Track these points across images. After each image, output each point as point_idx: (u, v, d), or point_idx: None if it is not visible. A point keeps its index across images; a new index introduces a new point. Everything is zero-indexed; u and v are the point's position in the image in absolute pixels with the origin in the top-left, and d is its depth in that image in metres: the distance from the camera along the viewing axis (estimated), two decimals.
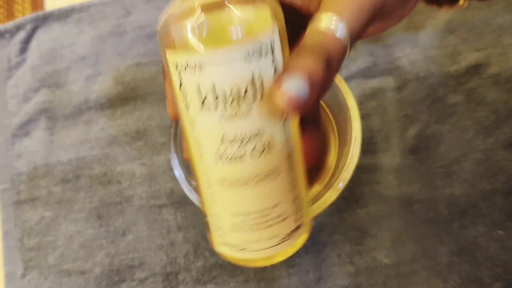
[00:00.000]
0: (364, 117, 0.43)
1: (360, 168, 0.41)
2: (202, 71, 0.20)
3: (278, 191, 0.24)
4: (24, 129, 0.47)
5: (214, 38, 0.20)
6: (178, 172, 0.36)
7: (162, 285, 0.41)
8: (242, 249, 0.25)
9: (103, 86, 0.47)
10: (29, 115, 0.47)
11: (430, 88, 0.43)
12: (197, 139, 0.23)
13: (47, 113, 0.47)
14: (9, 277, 0.43)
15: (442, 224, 0.39)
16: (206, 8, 0.21)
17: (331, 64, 0.21)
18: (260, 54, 0.20)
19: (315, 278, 0.39)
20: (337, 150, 0.39)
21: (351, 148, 0.35)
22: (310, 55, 0.20)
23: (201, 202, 0.26)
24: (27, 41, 0.50)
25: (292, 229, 0.25)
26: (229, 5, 0.21)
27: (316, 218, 0.40)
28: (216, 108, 0.21)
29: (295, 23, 0.24)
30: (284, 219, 0.24)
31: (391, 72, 0.44)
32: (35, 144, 0.46)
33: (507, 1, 0.44)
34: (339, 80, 0.36)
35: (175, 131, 0.37)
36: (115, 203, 0.44)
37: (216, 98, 0.21)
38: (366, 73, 0.44)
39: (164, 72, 0.24)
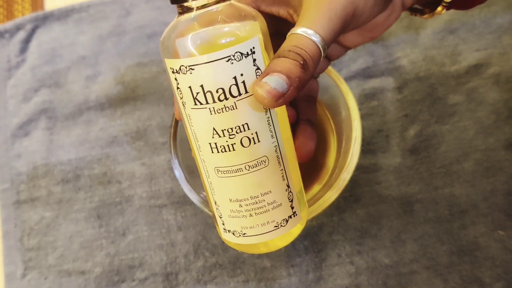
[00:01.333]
0: (364, 117, 0.43)
1: (360, 168, 0.41)
2: (193, 73, 0.24)
3: (268, 179, 0.26)
4: (24, 129, 0.47)
5: (204, 46, 0.24)
6: (178, 172, 0.36)
7: (162, 285, 0.41)
8: (242, 235, 0.27)
9: (103, 86, 0.47)
10: (29, 115, 0.47)
11: (430, 88, 0.43)
12: (194, 133, 0.26)
13: (47, 113, 0.47)
14: (9, 277, 0.43)
15: (442, 224, 0.39)
16: (199, 23, 0.24)
17: (307, 62, 0.24)
18: (242, 56, 0.24)
19: (315, 278, 0.39)
20: (337, 150, 0.38)
21: (351, 148, 0.35)
22: (288, 54, 0.24)
23: (206, 193, 0.28)
24: (27, 41, 0.50)
25: (286, 217, 0.27)
26: (218, 20, 0.25)
27: (316, 218, 0.40)
28: (206, 103, 0.24)
29: (282, 31, 0.27)
30: (277, 206, 0.27)
31: (391, 72, 0.44)
32: (35, 144, 0.46)
33: (507, 1, 0.44)
34: (339, 80, 0.36)
35: (174, 131, 0.37)
36: (115, 203, 0.44)
37: (205, 95, 0.24)
38: (366, 73, 0.44)
39: None
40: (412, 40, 0.44)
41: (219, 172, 0.26)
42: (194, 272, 0.41)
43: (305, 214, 0.29)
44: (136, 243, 0.42)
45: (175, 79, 0.25)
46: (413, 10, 0.32)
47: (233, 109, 0.24)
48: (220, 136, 0.25)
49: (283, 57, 0.23)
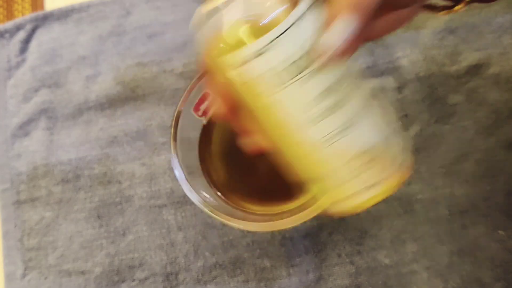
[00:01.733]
0: None
1: None
2: (262, 56, 0.22)
3: (376, 126, 0.26)
4: (24, 129, 0.47)
5: (263, 28, 0.23)
6: (178, 172, 0.36)
7: (162, 285, 0.41)
8: (370, 186, 0.26)
9: (103, 86, 0.47)
10: (29, 115, 0.47)
11: (431, 88, 0.43)
12: (284, 118, 0.25)
13: (47, 113, 0.47)
14: (9, 277, 0.43)
15: (442, 224, 0.39)
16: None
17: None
18: (302, 18, 0.22)
19: (315, 278, 0.39)
20: None
21: None
22: None
23: (305, 176, 0.27)
24: (27, 41, 0.50)
25: (401, 160, 0.27)
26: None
27: (316, 218, 0.40)
28: (289, 79, 0.23)
29: None
30: (394, 148, 0.26)
31: (391, 72, 0.44)
32: (35, 144, 0.46)
33: (507, 1, 0.44)
34: None
35: (175, 131, 0.37)
36: (115, 203, 0.44)
37: (288, 68, 0.23)
38: (366, 73, 0.44)
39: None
40: (412, 40, 0.44)
41: (328, 141, 0.25)
42: (194, 272, 0.41)
43: (411, 161, 0.28)
44: (136, 243, 0.42)
45: (242, 72, 0.23)
46: (425, 7, 0.31)
47: (316, 74, 0.23)
48: (316, 104, 0.24)
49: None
